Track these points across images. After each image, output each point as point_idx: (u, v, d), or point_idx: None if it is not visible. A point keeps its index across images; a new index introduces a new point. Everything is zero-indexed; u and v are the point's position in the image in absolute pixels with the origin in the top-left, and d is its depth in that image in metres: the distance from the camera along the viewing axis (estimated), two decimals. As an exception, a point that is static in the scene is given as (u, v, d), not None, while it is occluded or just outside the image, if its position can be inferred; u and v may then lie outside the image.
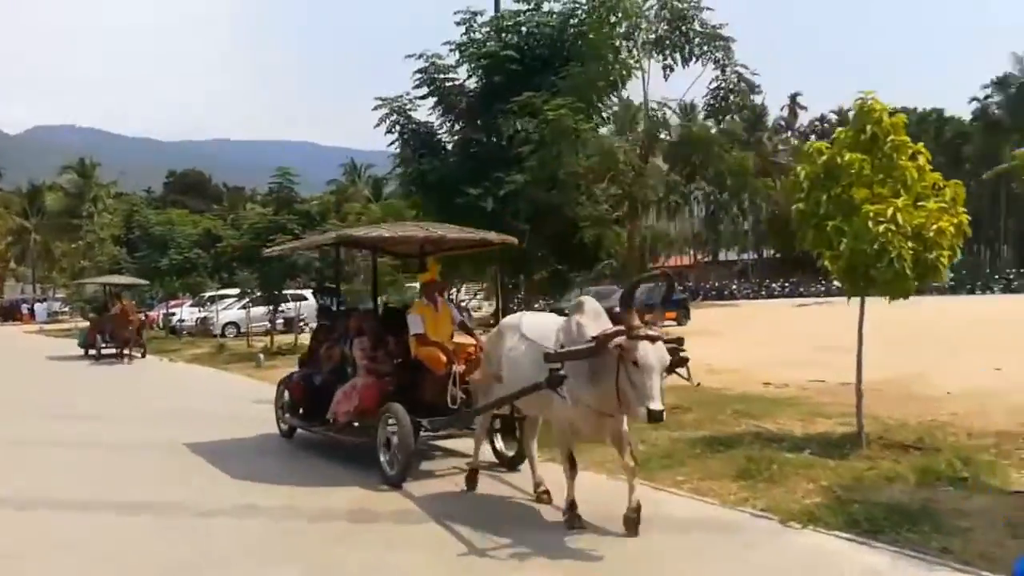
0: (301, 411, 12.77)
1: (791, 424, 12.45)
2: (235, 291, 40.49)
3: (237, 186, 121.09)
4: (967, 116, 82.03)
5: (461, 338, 11.17)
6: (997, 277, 61.09)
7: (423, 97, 18.29)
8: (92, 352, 31.49)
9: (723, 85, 15.17)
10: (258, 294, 32.46)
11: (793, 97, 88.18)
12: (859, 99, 10.58)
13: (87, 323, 37.10)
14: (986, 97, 79.06)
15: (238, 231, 34.24)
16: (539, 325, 8.56)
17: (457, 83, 18.28)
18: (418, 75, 18.19)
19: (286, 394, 13.21)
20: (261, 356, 26.56)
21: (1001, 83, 77.25)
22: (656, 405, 6.77)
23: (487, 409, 9.39)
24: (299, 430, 12.95)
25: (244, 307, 38.77)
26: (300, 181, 32.17)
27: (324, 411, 11.66)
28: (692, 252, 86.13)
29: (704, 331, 29.48)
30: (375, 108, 18.46)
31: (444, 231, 11.60)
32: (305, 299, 38.06)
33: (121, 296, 34.33)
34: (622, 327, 7.19)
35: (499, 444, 10.85)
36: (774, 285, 63.91)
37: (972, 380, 14.99)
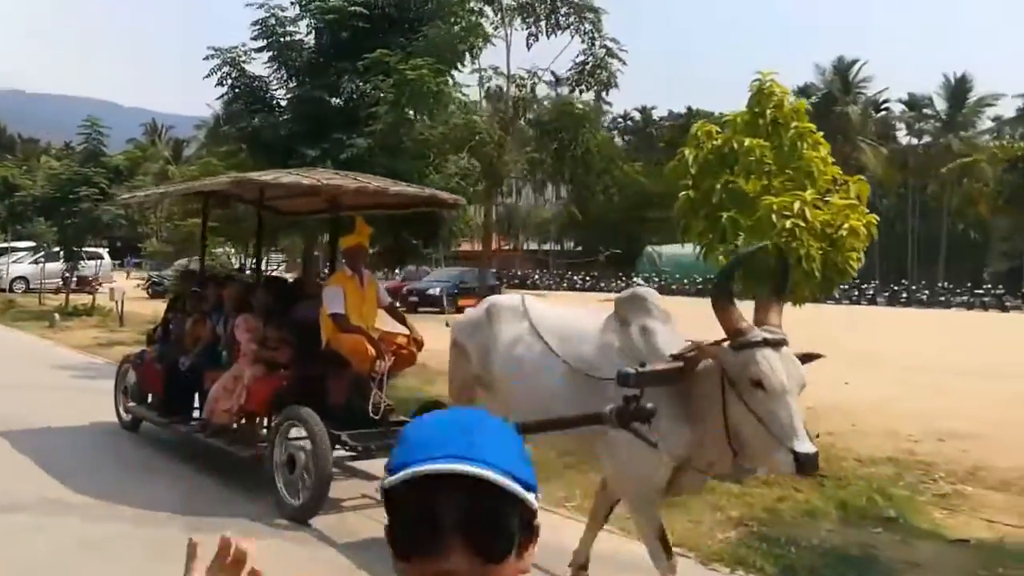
0: (151, 400, 10.60)
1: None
2: (27, 244, 37.91)
3: (32, 138, 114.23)
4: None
5: (385, 326, 9.08)
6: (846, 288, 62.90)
7: (260, 50, 17.04)
8: None
9: (590, 59, 14.50)
10: (55, 249, 30.27)
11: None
12: (756, 80, 9.99)
13: None
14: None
15: (37, 182, 31.85)
16: (560, 319, 6.01)
17: (297, 38, 17.10)
18: (255, 27, 16.93)
19: (131, 376, 10.92)
20: (56, 316, 24.60)
21: (803, 92, 79.67)
22: (806, 446, 4.26)
23: None
24: (146, 423, 10.73)
25: (36, 262, 36.28)
26: (109, 135, 30.04)
27: (187, 404, 9.90)
28: (496, 238, 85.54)
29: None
30: (206, 58, 17.08)
31: (383, 183, 9.30)
32: (102, 258, 35.89)
33: None
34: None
35: None
36: (575, 278, 64.36)
37: (829, 394, 14.44)
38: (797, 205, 8.57)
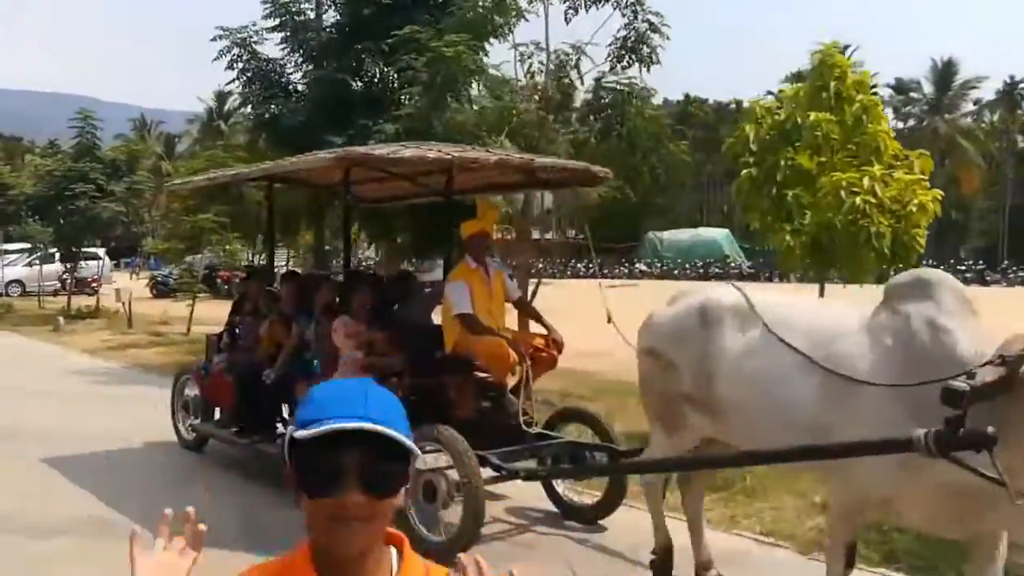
0: (220, 416, 9.42)
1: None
2: (19, 246, 36.71)
3: (14, 136, 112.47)
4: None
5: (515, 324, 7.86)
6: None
7: (273, 30, 16.00)
8: None
9: (631, 34, 13.47)
10: (51, 251, 29.22)
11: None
12: (817, 52, 9.43)
13: None
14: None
15: (28, 180, 30.77)
16: (801, 313, 4.80)
17: (312, 16, 16.07)
18: (267, 4, 15.89)
19: (192, 389, 9.75)
20: (60, 319, 23.54)
21: (798, 77, 79.33)
22: None
23: (684, 465, 5.55)
24: (213, 441, 9.52)
25: (31, 264, 35.15)
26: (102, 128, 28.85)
27: (271, 421, 8.63)
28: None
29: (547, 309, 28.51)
30: (213, 39, 16.05)
31: (525, 156, 8.14)
32: (99, 258, 34.74)
33: None
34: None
35: (561, 487, 7.33)
36: (579, 265, 63.26)
37: None
38: (867, 181, 8.32)
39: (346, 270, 10.49)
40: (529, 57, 13.53)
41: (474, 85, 13.57)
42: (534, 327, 8.08)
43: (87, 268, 31.13)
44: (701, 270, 57.48)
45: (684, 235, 66.62)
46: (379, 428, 1.63)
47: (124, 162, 27.26)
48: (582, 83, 13.52)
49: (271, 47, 16.49)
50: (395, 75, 14.48)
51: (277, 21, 15.87)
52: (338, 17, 15.88)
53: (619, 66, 13.47)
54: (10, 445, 9.73)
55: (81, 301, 29.04)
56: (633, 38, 13.38)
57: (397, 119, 14.22)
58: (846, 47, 73.58)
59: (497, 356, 6.86)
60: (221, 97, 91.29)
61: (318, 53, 15.77)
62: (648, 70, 13.55)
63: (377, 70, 14.95)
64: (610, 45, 13.49)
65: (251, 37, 15.99)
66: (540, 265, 62.63)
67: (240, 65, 15.99)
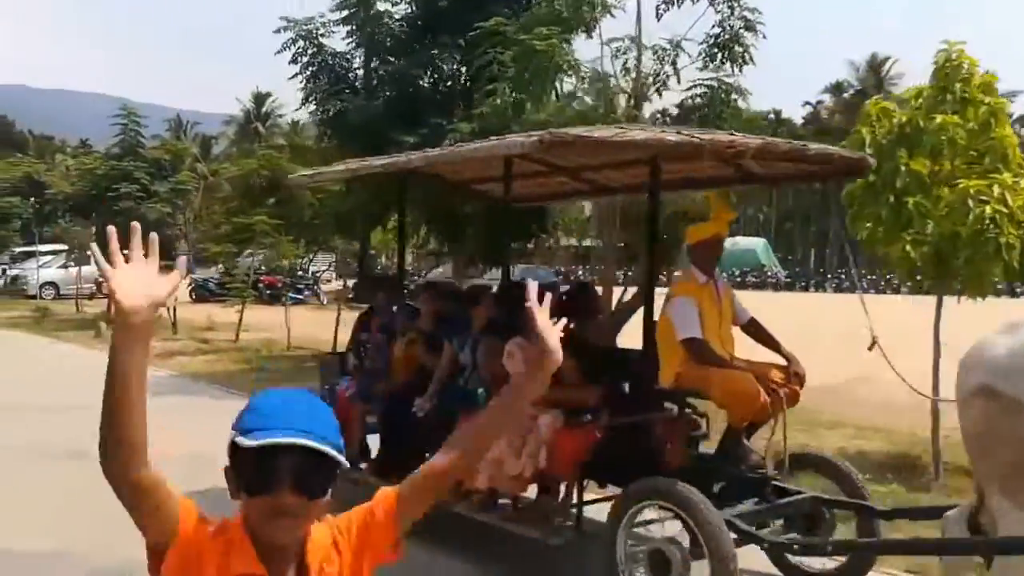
0: (348, 451, 7.69)
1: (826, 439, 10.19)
2: (53, 247, 36.07)
3: (45, 135, 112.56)
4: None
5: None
6: (829, 276, 61.32)
7: (341, 22, 15.11)
8: None
9: (726, 31, 12.49)
10: (88, 252, 28.33)
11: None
12: (942, 51, 8.55)
13: None
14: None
15: (67, 179, 30.11)
16: None
17: (383, 8, 15.16)
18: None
19: None
20: (102, 325, 22.66)
21: (837, 88, 78.45)
22: None
23: None
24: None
25: (66, 266, 34.37)
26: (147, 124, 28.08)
27: (420, 462, 6.84)
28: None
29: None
30: (277, 31, 15.18)
31: (792, 143, 6.35)
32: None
33: None
34: None
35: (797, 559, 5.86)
36: (618, 273, 62.16)
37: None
38: (996, 189, 7.70)
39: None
40: (625, 52, 12.51)
41: (565, 80, 12.59)
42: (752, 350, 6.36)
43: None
44: (738, 279, 56.24)
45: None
46: (316, 444, 1.82)
47: (168, 162, 26.49)
48: (679, 80, 12.50)
49: (336, 40, 15.67)
50: (472, 71, 13.58)
51: (346, 13, 14.97)
52: (412, 10, 14.91)
53: (711, 65, 12.48)
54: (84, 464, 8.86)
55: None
56: (726, 36, 12.41)
57: (471, 118, 13.36)
58: (885, 59, 72.50)
59: (740, 393, 5.49)
60: (259, 99, 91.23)
61: (388, 48, 14.85)
62: (740, 70, 12.57)
63: (451, 66, 14.06)
64: (702, 43, 12.51)
65: (317, 29, 15.10)
66: (580, 272, 61.57)
67: (305, 59, 15.08)
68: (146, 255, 1.82)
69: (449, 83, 14.46)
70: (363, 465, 7.53)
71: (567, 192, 8.80)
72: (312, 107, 15.56)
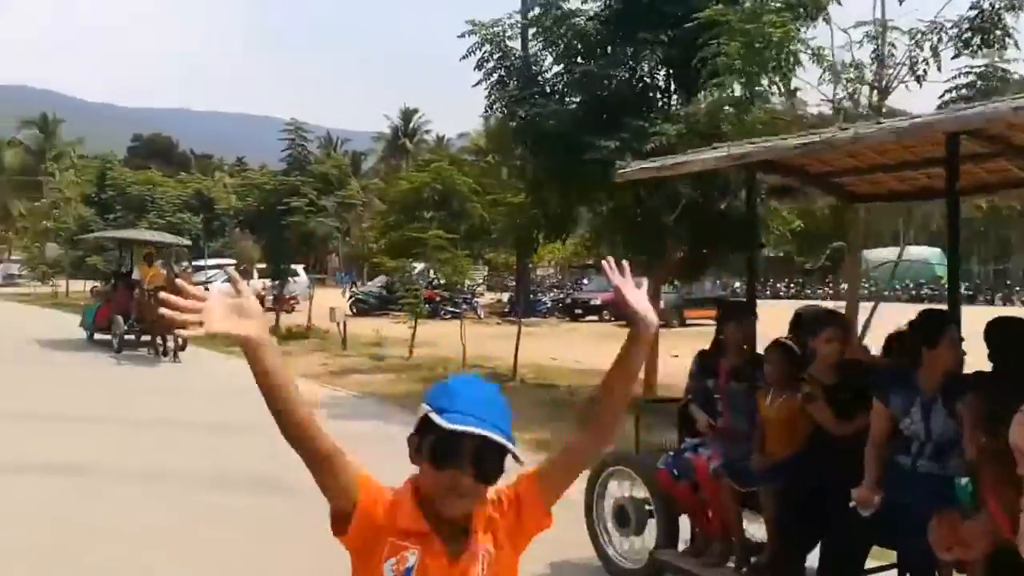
0: (697, 540, 6.21)
1: None
2: (216, 261, 36.51)
3: (206, 154, 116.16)
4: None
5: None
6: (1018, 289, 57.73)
7: (531, 23, 14.32)
8: (102, 337, 22.54)
9: (984, 13, 11.02)
10: (258, 266, 28.47)
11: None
12: None
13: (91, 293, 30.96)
14: None
15: (235, 194, 30.24)
16: None
17: (573, 5, 14.25)
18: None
19: (634, 491, 6.49)
20: (274, 341, 22.29)
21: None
22: None
23: None
24: None
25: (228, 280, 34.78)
26: (312, 138, 27.90)
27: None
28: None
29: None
30: (461, 35, 14.45)
31: None
32: (297, 274, 34.05)
33: (152, 259, 22.78)
34: None
35: None
36: (779, 285, 59.27)
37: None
38: None
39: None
40: (874, 38, 11.22)
41: (799, 72, 11.40)
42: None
43: (295, 285, 30.22)
44: (912, 292, 52.88)
45: (892, 254, 61.62)
46: (499, 438, 2.02)
47: (335, 176, 26.24)
48: (939, 69, 11.10)
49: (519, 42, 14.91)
50: (677, 69, 12.63)
51: (533, 13, 14.18)
52: (605, 7, 13.96)
53: (966, 51, 11.05)
54: (287, 500, 8.14)
55: (285, 320, 27.94)
56: (983, 18, 10.97)
57: (675, 119, 12.39)
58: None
59: None
60: (407, 115, 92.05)
61: (579, 48, 13.95)
62: (1000, 56, 11.15)
63: (650, 64, 13.10)
64: (953, 26, 11.09)
65: (504, 32, 14.32)
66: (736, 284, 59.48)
67: (491, 63, 14.32)
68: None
69: (647, 83, 13.46)
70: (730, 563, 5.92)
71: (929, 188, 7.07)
72: (498, 114, 14.80)
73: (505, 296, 41.28)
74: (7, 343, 22.76)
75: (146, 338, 21.40)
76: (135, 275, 22.71)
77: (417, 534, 2.09)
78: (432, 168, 23.24)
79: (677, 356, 13.21)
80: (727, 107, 11.80)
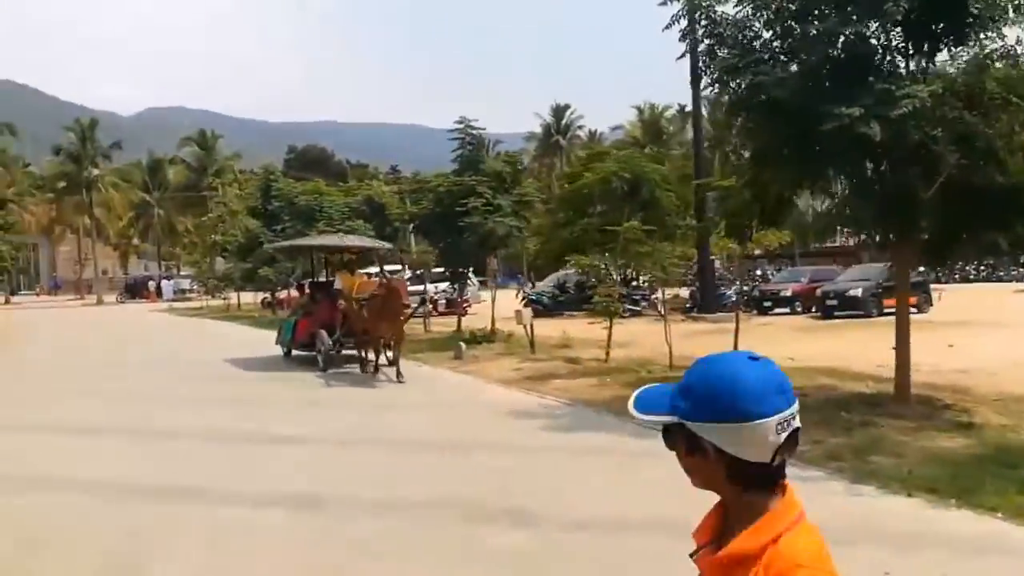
0: None
1: None
2: (391, 267, 36.06)
3: (361, 163, 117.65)
4: None
5: None
6: None
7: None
8: (300, 354, 21.80)
9: None
10: (435, 270, 27.74)
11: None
12: None
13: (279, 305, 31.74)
14: None
15: (406, 201, 29.60)
16: None
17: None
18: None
19: None
20: (462, 345, 21.42)
21: None
22: None
23: None
24: None
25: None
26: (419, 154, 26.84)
27: None
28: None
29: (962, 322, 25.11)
30: (662, 3, 13.14)
31: None
32: (468, 277, 33.27)
33: (354, 266, 22.37)
34: None
35: None
36: (968, 268, 55.16)
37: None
38: None
39: None
40: None
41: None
42: None
43: (471, 288, 29.41)
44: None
45: None
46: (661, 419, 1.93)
47: (509, 174, 25.23)
48: None
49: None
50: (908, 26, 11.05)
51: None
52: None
53: None
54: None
55: (465, 324, 27.05)
56: None
57: (930, 79, 10.86)
58: None
59: None
60: (558, 112, 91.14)
61: (794, 7, 12.44)
62: None
63: (885, 21, 11.56)
64: None
65: (712, -1, 12.91)
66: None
67: (700, 31, 12.94)
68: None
69: (876, 43, 11.92)
70: None
71: None
72: (714, 88, 13.37)
73: (683, 291, 39.53)
74: (210, 362, 22.58)
75: (351, 352, 20.44)
76: (337, 284, 21.23)
77: None
78: (619, 156, 21.94)
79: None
80: (994, 60, 10.19)
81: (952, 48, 11.53)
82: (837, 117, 10.87)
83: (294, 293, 38.21)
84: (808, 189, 13.21)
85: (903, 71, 11.98)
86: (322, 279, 24.22)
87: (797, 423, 1.80)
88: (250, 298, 49.76)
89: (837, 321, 29.13)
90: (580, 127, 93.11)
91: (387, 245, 24.59)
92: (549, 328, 23.99)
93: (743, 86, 12.18)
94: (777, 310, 34.45)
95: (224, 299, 51.66)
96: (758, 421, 1.76)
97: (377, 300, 17.73)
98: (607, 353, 19.02)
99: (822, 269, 38.64)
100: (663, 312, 20.80)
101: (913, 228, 11.99)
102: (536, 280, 47.78)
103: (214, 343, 27.74)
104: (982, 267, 55.53)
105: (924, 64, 11.88)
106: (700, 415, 1.82)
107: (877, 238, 12.67)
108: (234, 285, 48.69)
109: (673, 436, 1.89)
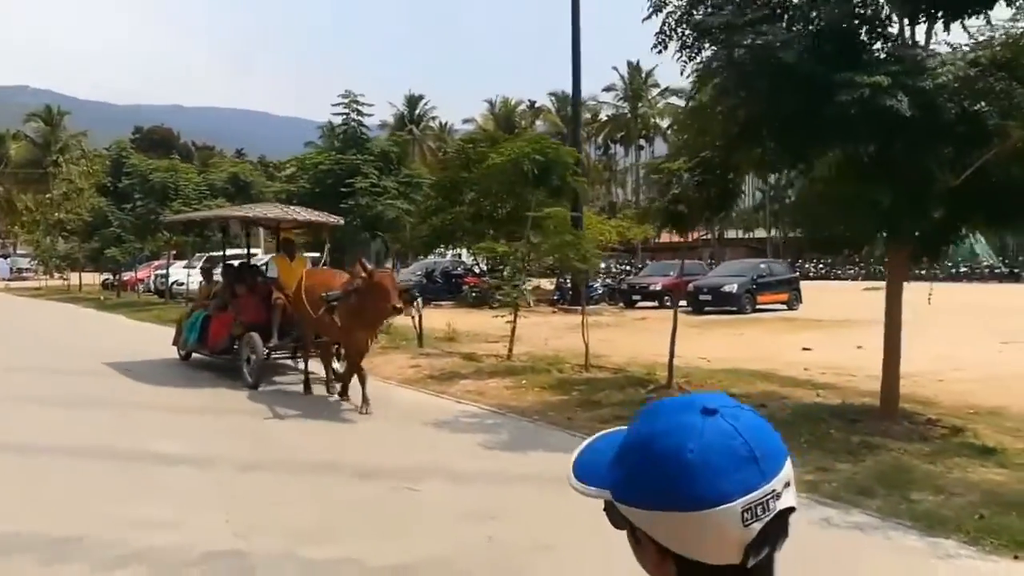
0: None
1: None
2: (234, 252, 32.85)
3: (207, 145, 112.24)
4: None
5: None
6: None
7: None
8: (202, 358, 16.22)
9: None
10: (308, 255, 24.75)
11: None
12: None
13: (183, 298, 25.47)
14: None
15: (271, 179, 26.48)
16: None
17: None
18: None
19: None
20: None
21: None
22: None
23: None
24: None
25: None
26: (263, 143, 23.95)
27: None
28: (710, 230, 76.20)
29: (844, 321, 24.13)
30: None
31: None
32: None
33: (293, 248, 16.52)
34: None
35: None
36: (808, 266, 55.75)
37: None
38: None
39: None
40: None
41: None
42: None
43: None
44: (952, 271, 48.69)
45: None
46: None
47: (396, 154, 22.44)
48: None
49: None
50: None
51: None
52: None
53: None
54: None
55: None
56: None
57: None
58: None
59: None
60: (412, 102, 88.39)
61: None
62: None
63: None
64: None
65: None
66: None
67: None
68: None
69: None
70: None
71: None
72: (682, 55, 10.88)
73: (547, 283, 37.34)
74: (86, 360, 17.15)
75: (286, 360, 15.61)
76: (272, 272, 16.15)
77: None
78: (532, 138, 19.44)
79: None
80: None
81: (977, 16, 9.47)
82: (856, 87, 8.71)
83: (180, 277, 34.45)
84: (797, 170, 10.93)
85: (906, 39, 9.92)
86: (236, 261, 17.61)
87: (786, 501, 1.19)
88: (90, 279, 45.24)
89: (711, 317, 27.75)
90: (433, 118, 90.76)
91: (339, 220, 17.67)
92: (425, 319, 21.35)
93: (740, 51, 9.73)
94: (644, 303, 32.91)
95: (64, 279, 46.99)
96: (709, 510, 1.16)
97: (355, 298, 11.90)
98: (510, 350, 16.49)
99: (691, 263, 38.02)
100: (531, 303, 18.58)
101: (923, 219, 9.81)
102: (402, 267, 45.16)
103: (93, 338, 23.34)
104: (821, 264, 56.41)
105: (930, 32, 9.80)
106: (629, 495, 1.24)
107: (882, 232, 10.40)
108: (78, 265, 44.39)
109: (615, 514, 1.29)
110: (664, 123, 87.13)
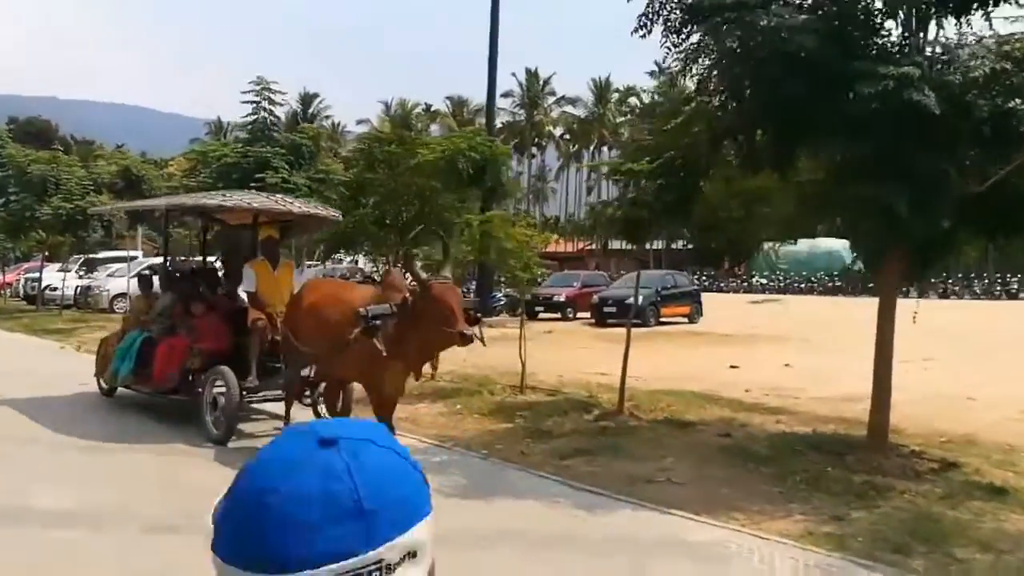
0: None
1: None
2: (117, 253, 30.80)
3: (87, 139, 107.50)
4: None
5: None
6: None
7: None
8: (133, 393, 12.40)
9: None
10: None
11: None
12: None
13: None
14: None
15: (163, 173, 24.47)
16: None
17: None
18: None
19: None
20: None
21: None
22: None
23: None
24: None
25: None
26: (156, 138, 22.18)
27: None
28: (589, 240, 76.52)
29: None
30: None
31: None
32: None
33: (276, 248, 12.10)
34: None
35: None
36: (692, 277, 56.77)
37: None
38: None
39: None
40: None
41: None
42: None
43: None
44: (828, 282, 53.04)
45: (801, 246, 59.61)
46: None
47: (308, 149, 20.77)
48: None
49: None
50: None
51: None
52: None
53: None
54: None
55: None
56: None
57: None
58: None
59: None
60: (306, 100, 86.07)
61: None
62: None
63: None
64: None
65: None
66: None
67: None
68: None
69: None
70: None
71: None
72: (671, 39, 9.64)
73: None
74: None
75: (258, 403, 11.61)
76: (247, 283, 11.21)
77: None
78: (468, 133, 18.03)
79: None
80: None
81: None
82: (879, 78, 7.64)
83: (53, 281, 31.82)
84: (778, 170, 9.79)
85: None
86: (194, 265, 13.88)
87: None
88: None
89: (616, 330, 26.71)
90: (327, 117, 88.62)
91: (335, 214, 13.94)
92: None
93: (745, 29, 8.49)
94: (547, 315, 31.87)
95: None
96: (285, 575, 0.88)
97: (401, 319, 8.11)
98: (434, 368, 14.78)
99: (592, 274, 37.99)
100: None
101: (935, 228, 8.75)
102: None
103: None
104: (704, 277, 57.67)
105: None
106: (218, 547, 0.99)
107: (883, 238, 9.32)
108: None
109: None
110: (558, 131, 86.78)
